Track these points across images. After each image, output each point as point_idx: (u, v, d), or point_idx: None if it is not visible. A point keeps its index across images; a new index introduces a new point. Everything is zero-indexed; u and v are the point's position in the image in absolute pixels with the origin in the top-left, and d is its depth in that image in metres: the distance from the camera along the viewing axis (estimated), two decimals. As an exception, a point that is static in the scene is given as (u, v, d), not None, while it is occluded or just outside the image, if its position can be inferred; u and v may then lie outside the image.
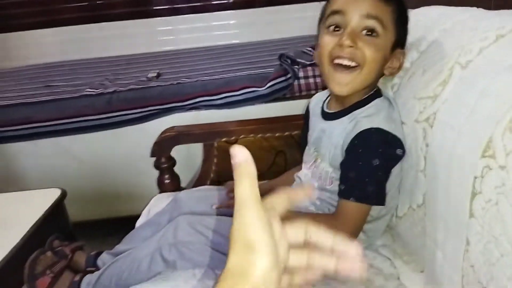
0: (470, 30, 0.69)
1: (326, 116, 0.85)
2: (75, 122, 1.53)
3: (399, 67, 0.76)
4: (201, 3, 2.68)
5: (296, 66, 1.59)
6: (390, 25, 0.71)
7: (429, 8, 0.93)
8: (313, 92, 1.59)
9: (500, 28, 0.63)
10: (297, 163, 1.17)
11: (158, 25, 2.63)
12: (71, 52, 2.49)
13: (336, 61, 0.71)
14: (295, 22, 2.55)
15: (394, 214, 0.83)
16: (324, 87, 1.59)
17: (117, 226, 1.68)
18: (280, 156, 1.24)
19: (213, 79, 1.65)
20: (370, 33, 0.70)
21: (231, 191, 0.91)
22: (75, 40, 2.54)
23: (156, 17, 2.63)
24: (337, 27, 0.72)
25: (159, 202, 1.12)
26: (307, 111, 0.95)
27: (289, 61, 1.62)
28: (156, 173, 1.23)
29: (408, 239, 0.81)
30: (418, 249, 0.77)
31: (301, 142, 0.99)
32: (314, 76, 1.59)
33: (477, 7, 0.80)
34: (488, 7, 0.79)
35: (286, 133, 1.19)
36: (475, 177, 0.55)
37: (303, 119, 0.98)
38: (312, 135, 0.89)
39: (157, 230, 0.91)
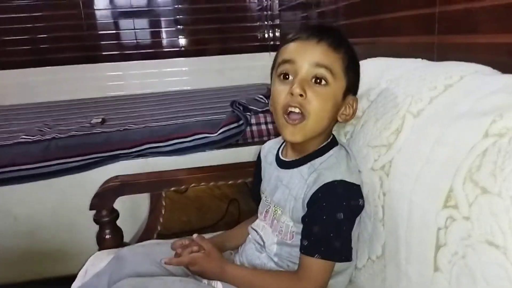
0: (418, 80, 0.70)
1: (282, 164, 0.82)
2: (9, 172, 1.38)
3: (353, 114, 0.76)
4: (152, 50, 2.68)
5: (248, 113, 1.58)
6: (340, 73, 0.71)
7: (374, 60, 0.96)
8: (265, 138, 1.58)
9: (448, 78, 0.65)
10: (252, 211, 1.13)
11: (108, 70, 2.56)
12: (9, 97, 2.35)
13: (289, 109, 0.70)
14: (245, 71, 2.61)
15: (353, 266, 0.79)
16: (277, 134, 1.61)
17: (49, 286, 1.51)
18: (233, 204, 1.19)
19: (162, 125, 1.59)
20: (319, 81, 0.69)
21: (178, 247, 0.83)
22: (18, 84, 2.41)
23: (106, 62, 2.56)
24: (288, 75, 0.71)
25: (98, 261, 1.01)
26: (259, 159, 0.92)
27: (241, 108, 1.61)
28: (96, 227, 1.12)
29: (368, 292, 0.77)
30: (379, 304, 0.73)
31: (252, 192, 0.95)
32: (266, 123, 1.58)
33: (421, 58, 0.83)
34: (430, 59, 0.82)
35: (240, 181, 1.15)
36: (439, 228, 0.53)
37: (255, 167, 0.94)
38: (266, 184, 0.85)
39: (96, 295, 0.82)
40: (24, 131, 1.57)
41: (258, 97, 1.76)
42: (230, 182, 1.15)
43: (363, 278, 0.77)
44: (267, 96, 1.77)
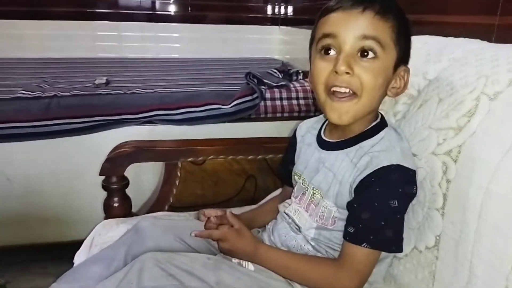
0: (490, 60, 0.64)
1: (325, 145, 0.75)
2: (5, 129, 1.27)
3: (404, 86, 0.68)
4: (152, 12, 2.53)
5: (263, 87, 1.51)
6: (390, 44, 0.63)
7: (424, 37, 0.89)
8: (278, 115, 1.51)
9: (529, 60, 0.59)
10: (269, 189, 1.07)
11: (105, 30, 2.42)
12: (2, 49, 2.18)
13: (333, 89, 0.64)
14: (251, 43, 2.51)
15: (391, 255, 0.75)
16: (292, 111, 1.54)
17: (40, 253, 1.44)
18: (250, 181, 1.13)
19: (172, 91, 1.50)
20: (367, 54, 0.62)
21: (209, 216, 0.77)
22: (8, 35, 2.23)
23: (103, 20, 2.41)
24: (330, 49, 0.64)
25: (106, 230, 0.94)
26: (294, 138, 0.84)
27: (255, 80, 1.53)
28: (98, 194, 1.04)
29: (407, 283, 0.72)
30: (420, 296, 0.68)
31: (280, 172, 0.88)
32: (281, 99, 1.51)
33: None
34: (489, 40, 0.77)
35: (260, 157, 1.08)
36: (527, 222, 0.48)
37: (288, 147, 0.87)
38: (303, 167, 0.77)
39: (112, 267, 0.75)
40: (22, 86, 1.45)
41: (272, 71, 1.69)
42: (250, 157, 1.08)
43: (402, 269, 0.72)
44: (281, 70, 1.70)
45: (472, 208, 0.56)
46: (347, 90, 0.63)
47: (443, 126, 0.64)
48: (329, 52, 0.64)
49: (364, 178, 0.63)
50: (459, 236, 0.58)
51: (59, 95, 1.39)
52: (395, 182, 0.62)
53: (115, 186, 1.01)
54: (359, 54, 0.62)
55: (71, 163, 1.38)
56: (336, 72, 0.62)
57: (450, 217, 0.61)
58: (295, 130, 0.85)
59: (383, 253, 0.69)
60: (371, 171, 0.63)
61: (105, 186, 1.01)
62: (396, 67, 0.66)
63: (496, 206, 0.52)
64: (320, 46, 0.65)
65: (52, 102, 1.36)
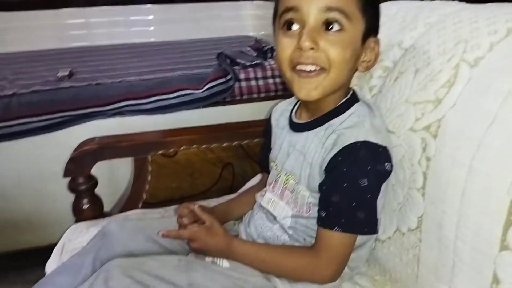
0: (469, 23, 0.59)
1: (296, 127, 0.70)
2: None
3: (375, 59, 0.64)
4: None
5: (236, 67, 1.44)
6: (356, 14, 0.58)
7: (397, 2, 0.83)
8: (255, 96, 1.45)
9: (510, 21, 0.54)
10: (247, 176, 1.02)
11: (69, 17, 2.28)
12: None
13: (298, 67, 0.59)
14: (224, 21, 2.41)
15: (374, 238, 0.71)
16: (269, 91, 1.48)
17: (17, 260, 1.39)
18: (228, 169, 1.07)
19: (140, 79, 1.42)
20: (332, 27, 0.57)
21: (182, 215, 0.72)
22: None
23: (66, 7, 2.27)
24: (293, 24, 0.59)
25: (76, 235, 0.89)
26: (269, 123, 0.79)
27: (228, 61, 1.46)
28: (70, 195, 0.98)
29: (391, 266, 0.69)
30: (407, 280, 0.65)
31: (261, 162, 0.84)
32: (256, 79, 1.45)
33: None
34: (466, 1, 0.71)
35: (235, 143, 1.03)
36: (514, 201, 0.43)
37: (264, 133, 0.82)
38: (277, 151, 0.73)
39: (79, 276, 0.70)
40: (-22, 86, 1.36)
41: (245, 49, 1.62)
42: (224, 145, 1.02)
43: (386, 251, 0.69)
44: (255, 48, 1.63)
45: (454, 187, 0.52)
46: (313, 68, 0.58)
47: (421, 99, 0.59)
48: (292, 27, 0.59)
49: (332, 157, 0.60)
50: (441, 217, 0.54)
51: (18, 92, 1.30)
52: (363, 160, 0.58)
53: (83, 187, 0.95)
54: (324, 27, 0.57)
55: (38, 164, 1.31)
56: (301, 49, 0.57)
57: (431, 198, 0.57)
58: (270, 114, 0.80)
59: (364, 237, 0.66)
60: (338, 149, 0.59)
61: (72, 188, 0.95)
62: (364, 39, 0.61)
63: (480, 184, 0.48)
64: (283, 21, 0.60)
65: (11, 101, 1.28)
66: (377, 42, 0.64)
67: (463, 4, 0.68)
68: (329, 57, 0.58)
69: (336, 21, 0.57)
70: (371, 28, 0.62)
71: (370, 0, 0.60)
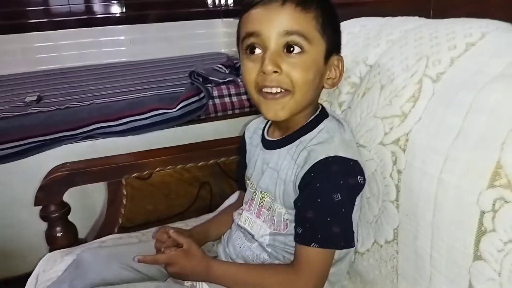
0: (429, 39, 0.61)
1: (268, 144, 0.71)
2: None
3: (340, 75, 0.66)
4: (87, 16, 2.38)
5: (209, 85, 1.44)
6: (316, 35, 0.60)
7: (361, 20, 0.86)
8: (229, 112, 1.46)
9: (468, 36, 0.56)
10: (225, 195, 1.02)
11: (37, 41, 2.24)
12: None
13: (264, 89, 0.61)
14: (195, 39, 2.42)
15: (353, 251, 0.72)
16: (243, 107, 1.49)
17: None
18: (205, 188, 1.07)
19: (111, 101, 1.40)
20: (293, 49, 0.59)
21: (161, 240, 0.71)
22: None
23: (33, 31, 2.23)
24: (256, 48, 0.61)
25: (51, 265, 0.86)
26: (243, 141, 0.80)
27: (200, 79, 1.46)
28: (43, 223, 0.95)
29: (372, 278, 0.69)
30: (386, 291, 0.66)
31: (238, 181, 0.84)
32: (230, 95, 1.45)
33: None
34: (427, 16, 0.74)
35: (211, 161, 1.02)
36: (483, 212, 0.45)
37: (238, 151, 0.83)
38: (252, 169, 0.74)
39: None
40: None
41: (218, 66, 1.62)
42: (200, 164, 1.02)
43: (366, 264, 0.69)
44: (227, 65, 1.64)
45: (426, 199, 0.53)
46: (278, 90, 0.60)
47: (388, 114, 0.60)
48: (255, 50, 0.61)
49: (305, 174, 0.60)
50: (416, 229, 0.55)
51: (-16, 120, 1.26)
52: (334, 174, 0.59)
53: (55, 215, 0.92)
54: (285, 50, 0.59)
55: (8, 192, 1.27)
56: (264, 72, 0.59)
57: (405, 210, 0.58)
58: (244, 132, 0.81)
59: (343, 251, 0.67)
60: (310, 166, 0.60)
61: (44, 216, 0.92)
62: (327, 58, 0.63)
63: (451, 196, 0.49)
64: (245, 45, 0.62)
65: (-23, 129, 1.23)
66: (340, 60, 0.65)
67: (424, 20, 0.71)
68: (292, 79, 0.59)
69: (296, 44, 0.58)
70: (333, 47, 0.63)
71: (328, 20, 0.61)
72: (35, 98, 1.46)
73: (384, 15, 0.81)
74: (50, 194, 0.90)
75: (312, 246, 0.59)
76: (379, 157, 0.62)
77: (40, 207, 0.92)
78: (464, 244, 0.48)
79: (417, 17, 0.74)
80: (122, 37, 2.43)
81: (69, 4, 2.33)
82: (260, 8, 0.59)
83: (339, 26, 0.65)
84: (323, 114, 0.67)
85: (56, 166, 0.95)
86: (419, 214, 0.54)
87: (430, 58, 0.58)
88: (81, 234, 1.00)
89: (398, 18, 0.76)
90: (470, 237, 0.47)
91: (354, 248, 0.70)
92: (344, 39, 0.66)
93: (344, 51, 0.68)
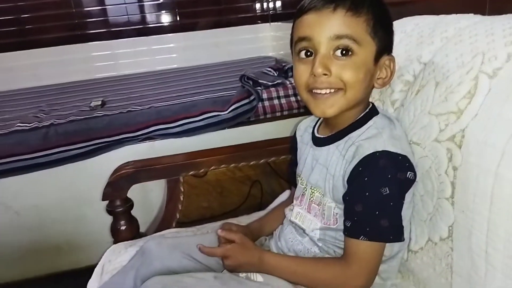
0: (485, 35, 0.61)
1: (318, 142, 0.74)
2: (5, 163, 1.27)
3: (391, 75, 0.67)
4: (142, 26, 2.52)
5: (259, 88, 1.48)
6: (366, 38, 0.62)
7: (413, 18, 0.86)
8: (278, 114, 1.49)
9: (526, 31, 0.55)
10: (275, 193, 1.05)
11: (97, 50, 2.41)
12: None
13: (314, 91, 0.63)
14: (244, 44, 2.48)
15: (406, 249, 0.72)
16: (291, 108, 1.51)
17: (56, 283, 1.44)
18: (256, 186, 1.10)
19: (168, 105, 1.48)
20: (344, 52, 0.61)
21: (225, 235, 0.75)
22: (2, 69, 2.23)
23: (94, 41, 2.40)
24: (308, 51, 0.63)
25: (116, 255, 0.92)
26: (294, 139, 0.83)
27: (250, 82, 1.50)
28: (107, 218, 1.03)
29: (426, 277, 0.69)
30: (441, 289, 0.65)
31: (289, 177, 0.87)
32: (279, 97, 1.48)
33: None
34: (482, 13, 0.73)
35: (262, 161, 1.06)
36: (543, 206, 0.44)
37: (290, 149, 0.86)
38: (302, 166, 0.76)
39: (122, 295, 0.73)
40: (19, 119, 1.45)
41: (266, 70, 1.66)
42: (252, 163, 1.06)
43: (419, 262, 0.69)
44: (276, 68, 1.67)
45: (483, 195, 0.53)
46: (328, 91, 0.63)
47: (443, 111, 0.61)
48: (308, 54, 0.64)
49: (353, 168, 0.62)
50: (471, 225, 0.55)
51: (55, 123, 1.38)
52: (382, 169, 0.60)
53: (120, 209, 0.99)
54: (335, 54, 0.61)
55: (76, 189, 1.38)
56: (315, 75, 0.62)
57: (461, 206, 0.58)
58: (295, 131, 0.84)
59: (394, 248, 0.68)
60: (358, 160, 0.61)
61: (110, 210, 1.00)
62: (377, 59, 0.64)
63: (507, 191, 0.49)
64: (297, 49, 0.65)
65: (49, 131, 1.35)
66: (391, 60, 0.66)
67: (479, 17, 0.70)
68: (343, 79, 0.62)
69: (346, 47, 0.61)
70: (383, 48, 0.65)
71: (380, 23, 0.63)
72: (99, 102, 1.58)
73: (438, 13, 0.81)
74: (117, 189, 0.98)
75: (361, 239, 0.61)
76: (433, 154, 0.62)
77: (106, 202, 1.00)
78: (523, 239, 0.47)
79: (472, 14, 0.73)
80: (174, 45, 2.54)
81: (127, 15, 2.47)
82: (313, 13, 0.62)
83: (391, 27, 0.67)
84: (373, 112, 0.69)
85: (122, 164, 1.02)
86: (475, 209, 0.54)
87: (486, 54, 0.58)
88: (141, 229, 1.07)
89: (453, 15, 0.75)
90: (529, 232, 0.46)
91: (406, 245, 0.70)
92: (397, 38, 0.67)
93: (397, 49, 0.68)
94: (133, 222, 1.02)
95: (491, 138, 0.52)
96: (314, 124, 0.78)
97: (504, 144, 0.50)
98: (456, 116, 0.59)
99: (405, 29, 0.80)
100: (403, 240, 0.64)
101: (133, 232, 1.02)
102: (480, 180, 0.53)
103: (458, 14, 0.75)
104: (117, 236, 1.01)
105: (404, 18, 0.86)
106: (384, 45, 0.65)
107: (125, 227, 1.01)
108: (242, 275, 0.70)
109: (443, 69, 0.64)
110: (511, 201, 0.49)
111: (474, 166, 0.54)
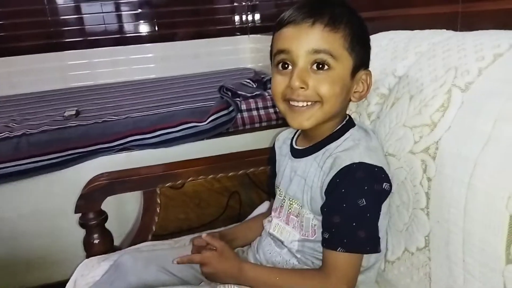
0: (457, 50, 0.63)
1: (296, 153, 0.74)
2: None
3: (367, 89, 0.68)
4: (120, 35, 2.49)
5: (238, 99, 1.48)
6: (343, 53, 0.63)
7: (389, 33, 0.88)
8: (257, 125, 1.49)
9: (496, 47, 0.58)
10: (254, 204, 1.04)
11: (73, 59, 2.36)
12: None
13: (291, 102, 0.64)
14: (223, 55, 2.49)
15: (383, 259, 0.72)
16: (270, 120, 1.52)
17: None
18: (234, 198, 1.09)
19: (145, 115, 1.46)
20: (321, 66, 0.62)
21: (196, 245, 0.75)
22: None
23: (70, 50, 2.36)
24: (286, 63, 0.64)
25: (89, 270, 0.89)
26: (273, 151, 0.83)
27: (229, 93, 1.50)
28: (81, 231, 1.00)
29: (403, 286, 0.70)
30: (419, 299, 0.66)
31: (269, 189, 0.86)
32: (258, 109, 1.49)
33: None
34: (454, 29, 0.75)
35: (241, 172, 1.05)
36: (513, 216, 0.46)
37: (269, 161, 0.86)
38: (281, 178, 0.77)
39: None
40: (-12, 128, 1.40)
41: (245, 81, 1.67)
42: (230, 174, 1.05)
43: (397, 272, 0.70)
44: (255, 80, 1.68)
45: (457, 205, 0.54)
46: (305, 104, 0.63)
47: (418, 123, 0.62)
48: (286, 66, 0.65)
49: (330, 180, 0.63)
50: (448, 235, 0.56)
51: (27, 132, 1.34)
52: (359, 180, 0.61)
53: (93, 222, 0.97)
54: (313, 67, 0.62)
55: (49, 201, 1.33)
56: (292, 88, 0.62)
57: (436, 217, 0.59)
58: (274, 142, 0.84)
59: (371, 259, 0.69)
60: (335, 172, 0.62)
61: (82, 223, 0.97)
62: (354, 73, 0.65)
63: (481, 202, 0.50)
64: (276, 61, 0.66)
65: (21, 141, 1.31)
66: (368, 74, 0.68)
67: (451, 33, 0.73)
68: (319, 93, 0.63)
69: (324, 61, 0.62)
70: (360, 63, 0.66)
71: (357, 39, 0.64)
72: (73, 112, 1.54)
73: (412, 29, 0.83)
74: (90, 202, 0.95)
75: (339, 250, 0.61)
76: (408, 166, 0.63)
77: (78, 215, 0.97)
78: (495, 248, 0.48)
79: (444, 30, 0.75)
80: (153, 55, 2.52)
81: (104, 24, 2.44)
82: (292, 27, 0.63)
83: (368, 43, 0.68)
84: (350, 124, 0.70)
85: (96, 175, 1.00)
86: (450, 220, 0.55)
87: (458, 69, 0.60)
88: (116, 242, 1.04)
89: (426, 31, 0.78)
90: (501, 241, 0.48)
91: (382, 255, 0.71)
92: (373, 52, 0.69)
93: (373, 63, 0.70)
94: (106, 235, 0.99)
95: (464, 150, 0.54)
96: (292, 136, 0.79)
97: (477, 156, 0.52)
98: (430, 128, 0.60)
99: (380, 43, 0.82)
100: (380, 251, 0.65)
101: (107, 246, 0.99)
102: (454, 191, 0.54)
103: (431, 30, 0.78)
104: (90, 250, 0.98)
105: (379, 33, 0.88)
106: (361, 60, 0.66)
107: (98, 240, 0.98)
108: (220, 286, 0.69)
109: (417, 82, 0.66)
110: (484, 211, 0.50)
111: (448, 177, 0.56)
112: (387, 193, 0.65)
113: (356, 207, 0.60)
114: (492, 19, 0.77)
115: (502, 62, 0.56)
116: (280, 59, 0.65)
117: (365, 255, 0.65)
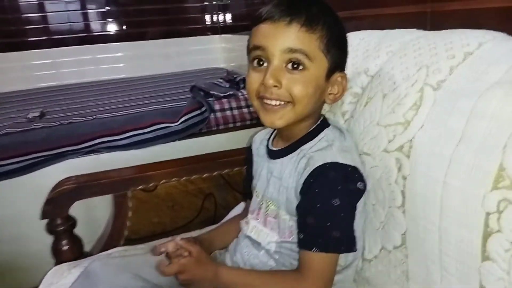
0: (429, 49, 0.64)
1: (272, 154, 0.73)
2: None
3: (342, 91, 0.68)
4: (86, 34, 2.42)
5: (210, 99, 1.46)
6: (318, 54, 0.62)
7: (360, 33, 0.88)
8: (231, 125, 1.48)
9: (465, 46, 0.59)
10: (229, 206, 1.03)
11: (37, 59, 2.27)
12: None
13: (265, 100, 0.64)
14: (194, 55, 2.46)
15: (360, 258, 0.73)
16: (244, 120, 1.51)
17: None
18: (209, 199, 1.07)
19: (114, 116, 1.42)
20: (296, 66, 0.61)
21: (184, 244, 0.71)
22: None
23: (33, 49, 2.27)
24: (261, 60, 0.64)
25: (58, 277, 0.86)
26: (250, 152, 0.82)
27: (202, 93, 1.48)
28: (48, 237, 0.95)
29: (381, 284, 0.70)
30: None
31: (245, 191, 0.85)
32: (231, 109, 1.47)
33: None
34: (424, 29, 0.77)
35: (216, 173, 1.04)
36: (488, 213, 0.47)
37: (245, 162, 0.85)
38: (257, 179, 0.76)
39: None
40: None
41: (218, 81, 1.65)
42: (205, 175, 1.03)
43: (374, 270, 0.70)
44: (227, 80, 1.66)
45: (432, 203, 0.54)
46: (277, 102, 0.63)
47: (391, 122, 0.63)
48: (261, 63, 0.64)
49: (304, 180, 0.63)
50: (424, 233, 0.57)
51: (-12, 136, 1.27)
52: (332, 180, 0.61)
53: (61, 228, 0.92)
54: (288, 66, 0.62)
55: (14, 207, 1.27)
56: (265, 85, 0.62)
57: (412, 215, 0.59)
58: (251, 144, 0.83)
59: (349, 258, 0.69)
60: (309, 172, 0.62)
61: (50, 229, 0.93)
62: (329, 75, 0.65)
63: (456, 199, 0.51)
64: (252, 57, 0.65)
65: (-20, 144, 1.24)
66: (343, 77, 0.68)
67: (421, 32, 0.74)
68: (292, 93, 0.62)
69: (299, 61, 0.61)
70: (336, 65, 0.65)
71: (333, 41, 0.63)
72: (38, 114, 1.47)
73: (381, 29, 0.84)
74: (57, 207, 0.91)
75: (314, 250, 0.61)
76: (383, 164, 0.64)
77: (45, 221, 0.92)
78: (471, 245, 0.49)
79: (415, 29, 0.76)
80: (121, 54, 2.46)
81: (69, 22, 2.36)
82: (268, 24, 0.62)
83: (345, 45, 0.68)
84: (324, 124, 0.70)
85: (63, 179, 0.96)
86: (426, 218, 0.56)
87: (430, 67, 0.61)
88: (86, 248, 1.00)
89: (397, 30, 0.78)
90: (477, 238, 0.48)
91: (360, 254, 0.71)
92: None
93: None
94: (76, 241, 0.95)
95: (438, 148, 0.54)
96: (269, 137, 0.78)
97: (451, 154, 0.52)
98: (403, 127, 0.60)
99: (352, 43, 0.82)
100: (355, 250, 0.65)
101: (76, 252, 0.95)
102: (429, 189, 0.55)
103: (401, 29, 0.79)
104: (59, 257, 0.94)
105: (350, 33, 0.88)
106: (337, 62, 0.65)
107: (67, 246, 0.94)
108: (197, 291, 0.68)
109: (389, 81, 0.66)
110: (459, 209, 0.51)
111: (423, 175, 0.56)
112: (361, 192, 0.65)
113: (329, 207, 0.60)
114: (459, 19, 0.78)
115: (473, 61, 0.57)
116: (256, 55, 0.64)
117: (342, 254, 0.65)
